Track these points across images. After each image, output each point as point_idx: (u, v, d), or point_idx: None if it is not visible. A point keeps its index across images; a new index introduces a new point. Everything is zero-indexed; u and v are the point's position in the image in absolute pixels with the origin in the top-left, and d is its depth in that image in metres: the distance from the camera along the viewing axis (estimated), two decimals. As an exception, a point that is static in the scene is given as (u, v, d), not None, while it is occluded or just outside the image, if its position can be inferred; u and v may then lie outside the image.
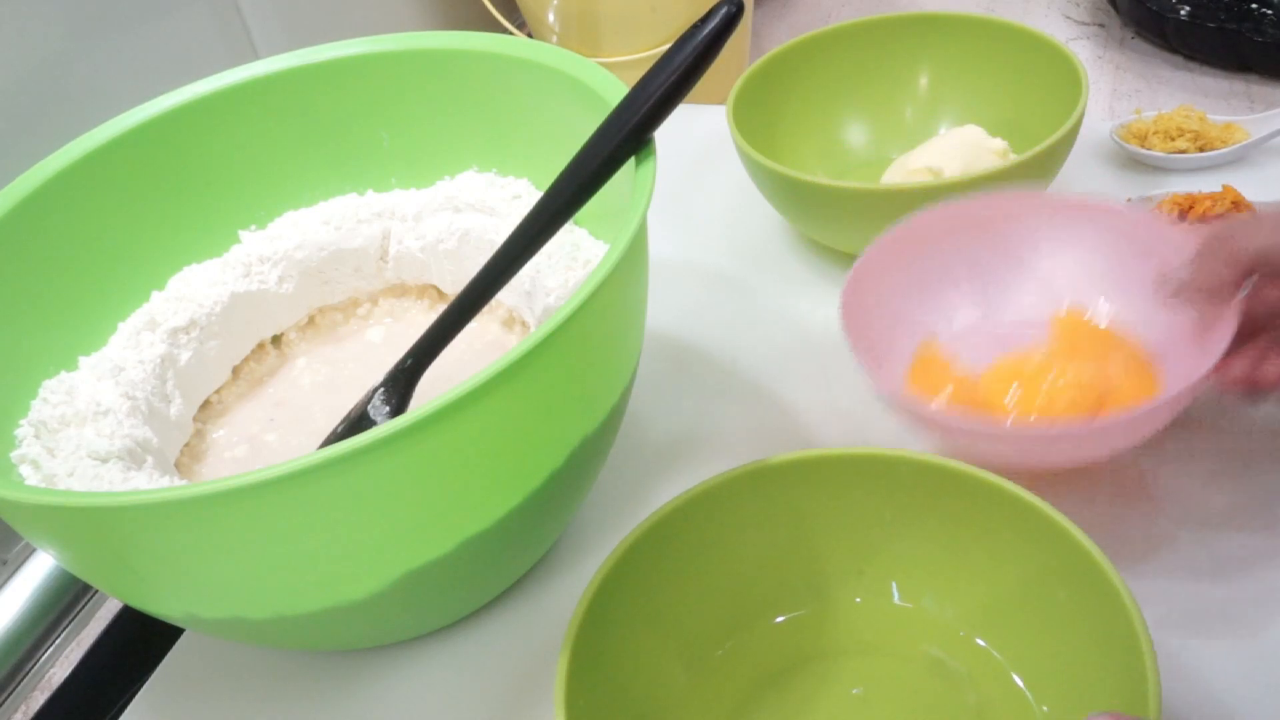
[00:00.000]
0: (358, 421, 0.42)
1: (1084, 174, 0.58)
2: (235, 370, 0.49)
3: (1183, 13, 0.71)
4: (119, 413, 0.42)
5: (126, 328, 0.46)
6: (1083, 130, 0.52)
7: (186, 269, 0.48)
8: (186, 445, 0.46)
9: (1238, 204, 0.52)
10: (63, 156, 0.44)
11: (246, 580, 0.33)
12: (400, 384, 0.42)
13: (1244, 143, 0.56)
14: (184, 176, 0.48)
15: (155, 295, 0.47)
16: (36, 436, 0.40)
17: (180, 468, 0.45)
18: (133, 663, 0.47)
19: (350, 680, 0.42)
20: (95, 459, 0.39)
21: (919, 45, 0.61)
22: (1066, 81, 0.53)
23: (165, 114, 0.47)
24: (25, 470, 0.39)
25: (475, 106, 0.49)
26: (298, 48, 0.48)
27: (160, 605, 0.36)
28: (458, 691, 0.41)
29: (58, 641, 0.47)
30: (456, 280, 0.50)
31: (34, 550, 0.48)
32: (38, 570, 0.48)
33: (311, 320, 0.52)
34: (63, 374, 0.43)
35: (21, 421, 0.41)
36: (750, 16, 0.85)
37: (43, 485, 0.38)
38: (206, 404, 0.48)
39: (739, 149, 0.53)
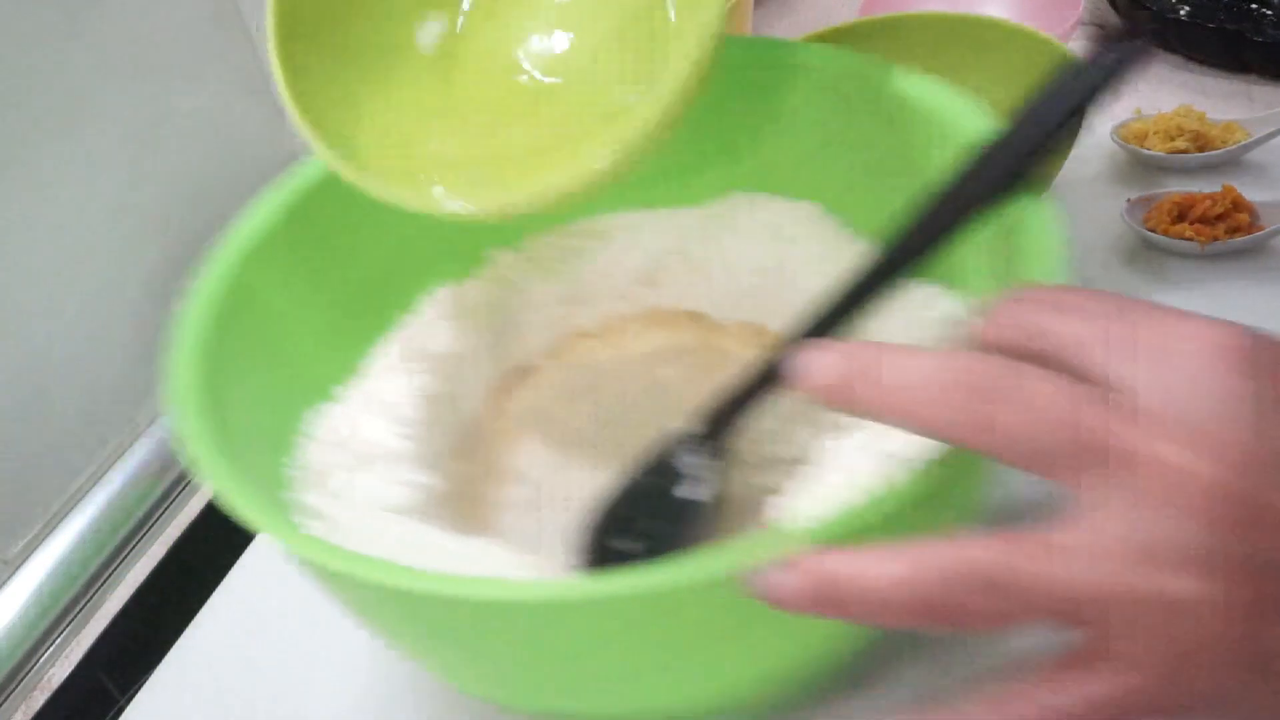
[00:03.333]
0: (658, 470, 0.39)
1: (1084, 174, 0.58)
2: (492, 400, 0.46)
3: (1182, 13, 0.71)
4: (400, 454, 0.38)
5: (384, 354, 0.42)
6: (1082, 130, 0.52)
7: (439, 289, 0.45)
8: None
9: (1238, 204, 0.53)
10: (305, 175, 0.41)
11: (620, 679, 0.30)
12: (712, 434, 0.38)
13: (1244, 143, 0.56)
14: None
15: (408, 319, 0.44)
16: (313, 482, 0.37)
17: (462, 515, 0.42)
18: (133, 663, 0.47)
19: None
20: (389, 511, 0.36)
21: (918, 44, 0.61)
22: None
23: None
24: (310, 523, 0.35)
25: (742, 116, 0.45)
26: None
27: (514, 698, 0.33)
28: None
29: (58, 641, 0.47)
30: (729, 307, 0.48)
31: (34, 549, 0.48)
32: (38, 570, 0.48)
33: (565, 345, 0.49)
34: (324, 405, 0.40)
35: (293, 462, 0.37)
36: (750, 16, 0.85)
37: (333, 540, 0.33)
38: (464, 438, 0.45)
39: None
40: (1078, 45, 0.74)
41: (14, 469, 0.47)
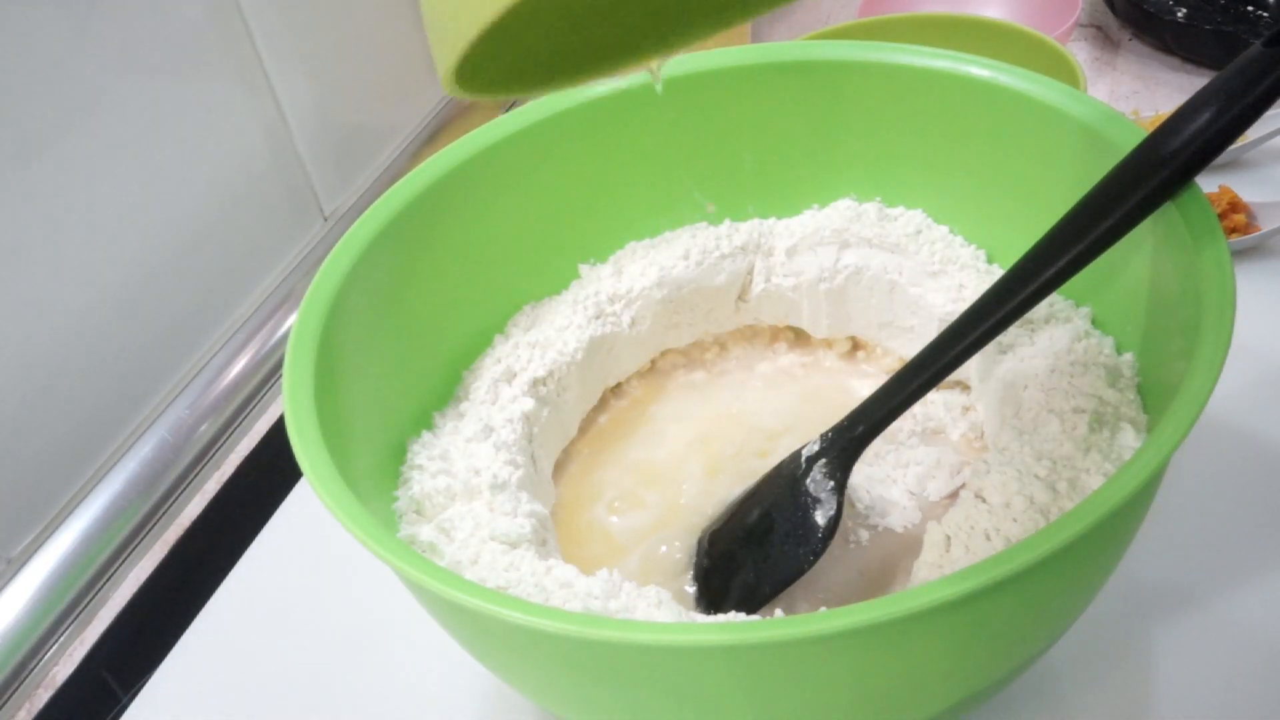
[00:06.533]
0: (791, 492, 0.38)
1: (1082, 174, 0.58)
2: (588, 421, 0.46)
3: (1179, 14, 0.71)
4: (509, 483, 0.37)
5: (479, 379, 0.42)
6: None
7: (527, 308, 0.45)
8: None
9: (1235, 204, 0.53)
10: (406, 189, 0.40)
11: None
12: (847, 455, 0.37)
13: (1242, 143, 0.57)
14: (523, 205, 0.44)
15: (498, 340, 0.43)
16: (425, 514, 0.36)
17: (572, 543, 0.42)
18: (135, 661, 0.47)
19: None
20: (503, 544, 0.34)
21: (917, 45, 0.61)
22: (1065, 82, 0.53)
23: (505, 139, 0.42)
24: (431, 558, 0.34)
25: (856, 124, 0.44)
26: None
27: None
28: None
29: (61, 639, 0.47)
30: (836, 324, 0.46)
31: (38, 548, 0.48)
32: (41, 568, 0.48)
33: (653, 365, 0.48)
34: (426, 434, 0.40)
35: (402, 494, 0.37)
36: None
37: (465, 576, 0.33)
38: (564, 461, 0.45)
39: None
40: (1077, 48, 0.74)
41: (17, 468, 0.47)
